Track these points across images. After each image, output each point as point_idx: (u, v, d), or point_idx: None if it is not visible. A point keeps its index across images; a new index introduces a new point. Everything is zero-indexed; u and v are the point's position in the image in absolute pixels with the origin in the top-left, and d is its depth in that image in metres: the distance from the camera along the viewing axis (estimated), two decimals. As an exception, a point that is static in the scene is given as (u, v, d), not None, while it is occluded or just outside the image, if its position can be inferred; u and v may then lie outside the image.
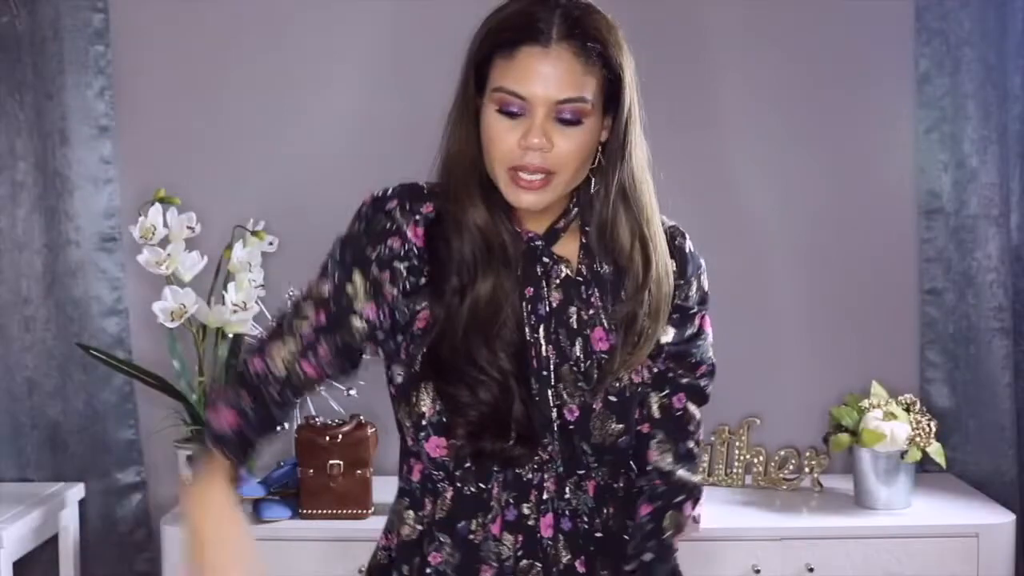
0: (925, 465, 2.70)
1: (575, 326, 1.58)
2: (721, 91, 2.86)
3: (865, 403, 2.65)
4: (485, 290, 1.54)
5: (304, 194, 2.85)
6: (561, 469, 1.58)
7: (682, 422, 1.67)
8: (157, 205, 2.66)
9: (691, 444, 1.68)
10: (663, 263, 1.59)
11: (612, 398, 1.59)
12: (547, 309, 1.58)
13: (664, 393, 1.66)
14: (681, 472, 1.66)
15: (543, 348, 1.57)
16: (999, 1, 2.77)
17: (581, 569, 1.59)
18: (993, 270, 2.81)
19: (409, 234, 1.57)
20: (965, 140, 2.81)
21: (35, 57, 2.78)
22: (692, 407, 1.68)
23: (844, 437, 2.63)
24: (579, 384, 1.57)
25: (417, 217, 1.57)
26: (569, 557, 1.59)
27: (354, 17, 2.86)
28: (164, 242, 2.66)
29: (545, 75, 1.48)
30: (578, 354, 1.57)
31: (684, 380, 1.67)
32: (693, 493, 1.67)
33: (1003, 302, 2.81)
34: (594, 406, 1.58)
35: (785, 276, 2.89)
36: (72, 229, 2.80)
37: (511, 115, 1.50)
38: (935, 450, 2.59)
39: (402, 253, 1.57)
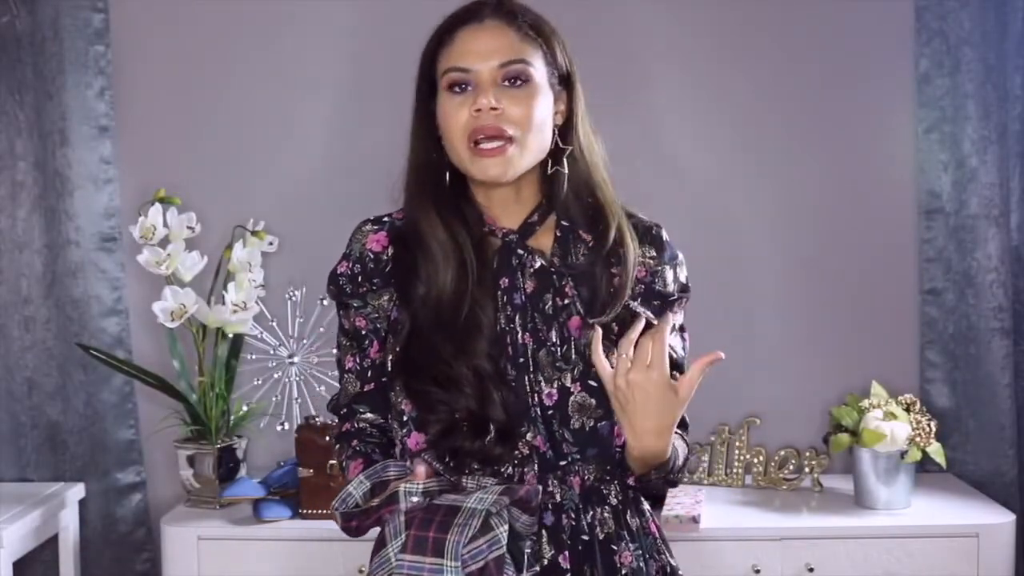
0: (925, 465, 2.70)
1: (550, 312, 1.63)
2: (721, 91, 2.86)
3: (865, 403, 2.65)
4: (447, 291, 1.61)
5: (304, 194, 2.85)
6: (538, 464, 1.60)
7: None
8: (157, 205, 2.66)
9: None
10: (624, 224, 1.68)
11: (592, 382, 1.61)
12: (522, 298, 1.64)
13: None
14: None
15: (519, 335, 1.62)
16: (999, 1, 2.77)
17: (565, 565, 1.59)
18: (993, 270, 2.81)
19: (368, 247, 1.68)
20: (965, 140, 2.81)
21: (35, 57, 2.78)
22: None
23: (844, 437, 2.63)
24: (557, 365, 1.61)
25: (377, 226, 1.69)
26: (552, 552, 1.59)
27: (354, 18, 2.86)
28: (164, 242, 2.66)
29: (483, 45, 1.61)
30: (554, 339, 1.62)
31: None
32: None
33: (1003, 302, 2.81)
34: (572, 389, 1.61)
35: (785, 276, 2.89)
36: (72, 229, 2.80)
37: (461, 91, 1.61)
38: (935, 450, 2.59)
39: (359, 273, 1.68)
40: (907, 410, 2.64)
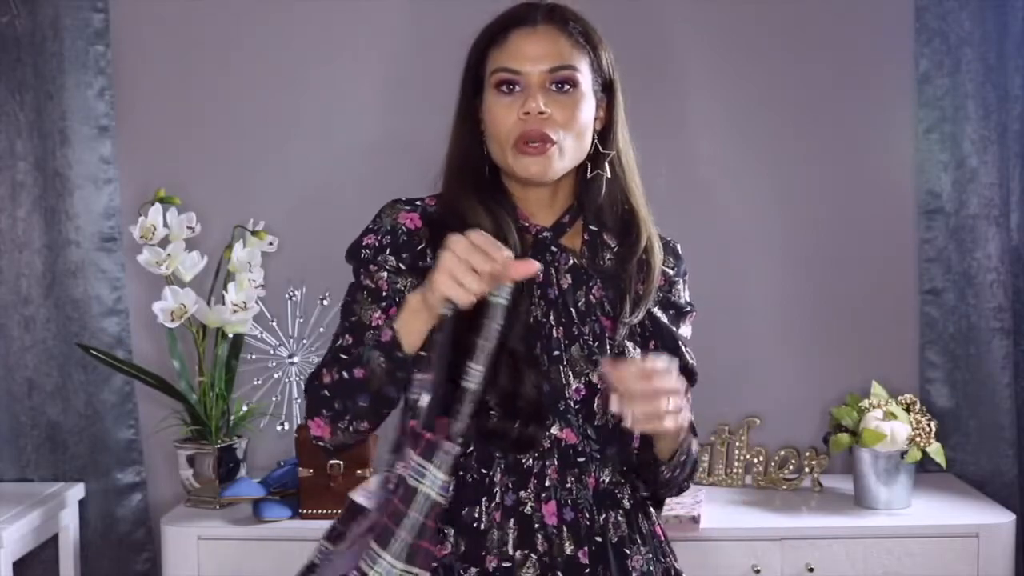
0: (925, 465, 2.70)
1: (584, 308, 1.65)
2: (721, 91, 2.86)
3: (865, 403, 2.65)
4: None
5: (304, 194, 2.85)
6: (558, 458, 1.60)
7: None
8: (157, 205, 2.66)
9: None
10: (653, 233, 1.71)
11: None
12: (556, 293, 1.65)
13: None
14: None
15: (553, 330, 1.63)
16: (999, 1, 2.77)
17: (584, 560, 1.60)
18: (993, 270, 2.81)
19: (401, 222, 1.65)
20: (965, 140, 2.81)
21: (35, 57, 2.78)
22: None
23: (844, 437, 2.63)
24: (593, 359, 1.62)
25: (410, 207, 1.67)
26: (572, 548, 1.60)
27: (354, 17, 2.85)
28: (164, 242, 2.66)
29: (535, 49, 1.63)
30: (587, 334, 1.64)
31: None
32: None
33: (1003, 302, 2.81)
34: (599, 385, 1.62)
35: (786, 276, 2.89)
36: (72, 229, 2.81)
37: (509, 91, 1.63)
38: (935, 450, 2.59)
39: (387, 246, 1.64)
40: (907, 410, 2.64)
